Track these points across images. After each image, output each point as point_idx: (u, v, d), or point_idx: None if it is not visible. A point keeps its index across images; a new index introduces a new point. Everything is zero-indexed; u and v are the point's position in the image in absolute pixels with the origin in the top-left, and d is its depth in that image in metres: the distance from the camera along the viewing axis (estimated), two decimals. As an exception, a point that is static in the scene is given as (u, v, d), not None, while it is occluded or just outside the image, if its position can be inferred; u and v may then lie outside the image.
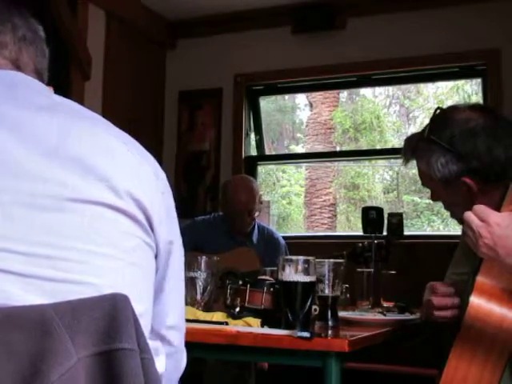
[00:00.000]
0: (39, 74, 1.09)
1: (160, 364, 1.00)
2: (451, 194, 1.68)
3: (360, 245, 2.64)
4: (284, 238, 3.46)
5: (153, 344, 0.95)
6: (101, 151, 0.91)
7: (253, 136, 4.61)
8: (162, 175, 1.01)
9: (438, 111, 1.70)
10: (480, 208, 1.30)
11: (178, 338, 1.10)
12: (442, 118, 1.68)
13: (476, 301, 1.35)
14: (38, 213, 0.84)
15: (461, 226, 1.56)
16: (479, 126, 1.60)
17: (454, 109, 1.72)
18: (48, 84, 1.10)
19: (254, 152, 4.63)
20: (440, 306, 1.60)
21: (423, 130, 1.70)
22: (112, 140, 0.94)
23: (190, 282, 1.86)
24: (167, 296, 1.04)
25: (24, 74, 1.04)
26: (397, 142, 8.49)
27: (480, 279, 1.36)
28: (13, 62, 1.05)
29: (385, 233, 2.86)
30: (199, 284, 1.88)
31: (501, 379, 1.35)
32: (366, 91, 9.11)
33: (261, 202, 3.35)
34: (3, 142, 0.86)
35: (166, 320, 1.06)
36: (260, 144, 4.64)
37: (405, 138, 1.83)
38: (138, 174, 0.94)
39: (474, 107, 1.69)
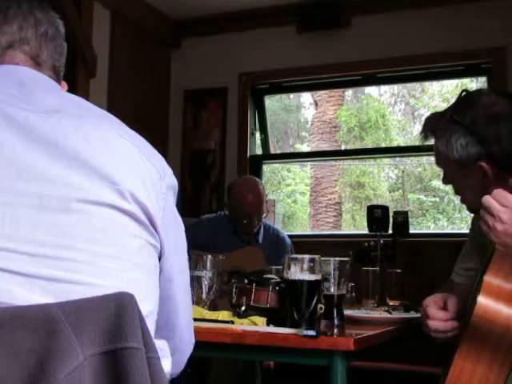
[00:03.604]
0: (56, 71, 1.09)
1: (165, 363, 1.01)
2: (465, 177, 1.65)
3: (366, 244, 2.64)
4: (289, 236, 3.45)
5: (158, 343, 0.95)
6: (107, 152, 0.91)
7: (258, 135, 4.61)
8: (168, 174, 1.00)
9: (464, 93, 1.69)
10: (501, 192, 1.27)
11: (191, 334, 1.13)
12: (467, 99, 1.67)
13: (483, 301, 1.33)
14: (44, 213, 0.84)
15: (466, 225, 1.56)
16: (505, 111, 1.59)
17: (479, 92, 1.72)
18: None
19: (258, 151, 4.63)
20: (437, 330, 1.58)
21: (446, 110, 1.69)
22: (119, 140, 0.94)
23: (196, 281, 1.86)
24: (175, 297, 1.04)
25: (41, 70, 1.04)
26: (402, 140, 8.46)
27: (488, 279, 1.35)
28: (32, 58, 1.05)
29: (390, 231, 2.86)
30: (205, 283, 1.88)
31: (507, 380, 1.34)
32: (371, 90, 9.11)
33: (266, 202, 3.34)
34: (11, 143, 0.86)
35: (178, 319, 1.06)
36: (265, 143, 4.64)
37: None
38: (142, 176, 0.94)
39: (500, 93, 1.68)
